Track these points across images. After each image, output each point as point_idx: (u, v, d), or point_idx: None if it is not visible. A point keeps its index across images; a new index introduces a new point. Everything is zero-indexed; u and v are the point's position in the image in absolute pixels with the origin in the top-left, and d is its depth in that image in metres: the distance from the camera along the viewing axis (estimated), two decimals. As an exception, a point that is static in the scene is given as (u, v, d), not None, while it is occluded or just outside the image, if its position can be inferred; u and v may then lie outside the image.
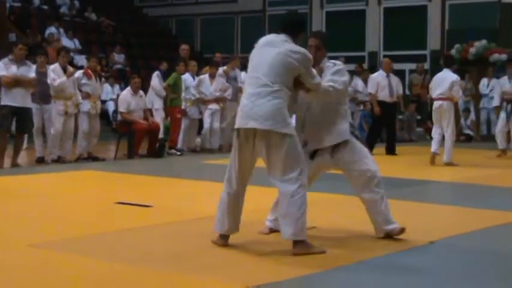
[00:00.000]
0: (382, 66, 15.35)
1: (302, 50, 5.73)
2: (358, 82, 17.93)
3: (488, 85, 18.36)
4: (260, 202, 7.49)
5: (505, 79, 14.48)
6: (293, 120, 5.94)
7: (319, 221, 6.67)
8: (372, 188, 6.11)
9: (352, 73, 18.22)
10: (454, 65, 14.80)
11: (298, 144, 5.72)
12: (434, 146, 12.82)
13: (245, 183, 6.08)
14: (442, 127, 12.81)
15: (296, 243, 5.66)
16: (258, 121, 5.62)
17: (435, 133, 12.97)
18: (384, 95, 14.64)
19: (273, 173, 5.78)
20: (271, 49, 5.73)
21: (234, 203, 6.06)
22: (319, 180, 6.71)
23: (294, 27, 5.87)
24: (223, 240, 6.07)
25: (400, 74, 19.44)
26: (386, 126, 14.82)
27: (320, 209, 7.32)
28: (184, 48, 16.12)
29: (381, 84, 14.68)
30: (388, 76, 14.82)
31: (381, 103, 14.55)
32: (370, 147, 13.08)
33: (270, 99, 5.59)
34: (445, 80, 12.85)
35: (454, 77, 12.91)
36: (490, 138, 18.22)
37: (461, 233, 6.60)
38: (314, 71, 5.81)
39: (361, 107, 17.84)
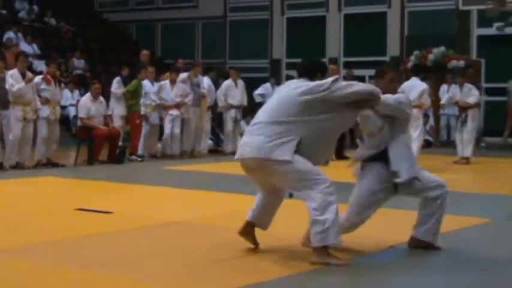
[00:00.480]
0: (330, 72, 15.48)
1: (305, 82, 5.78)
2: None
3: (448, 91, 18.54)
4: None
5: (456, 88, 14.66)
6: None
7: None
8: None
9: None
10: (421, 73, 15.15)
11: (299, 163, 5.57)
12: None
13: (273, 193, 6.05)
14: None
15: (315, 250, 5.56)
16: (249, 153, 5.73)
17: None
18: None
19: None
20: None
21: (265, 200, 6.14)
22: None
23: (312, 72, 5.98)
24: (245, 228, 6.09)
25: (360, 80, 19.52)
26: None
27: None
28: (144, 53, 16.06)
29: None
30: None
31: None
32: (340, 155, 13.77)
33: (261, 133, 5.67)
34: (414, 88, 13.01)
35: (423, 85, 13.25)
36: (449, 144, 18.45)
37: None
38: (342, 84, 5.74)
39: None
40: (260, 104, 17.91)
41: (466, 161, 14.14)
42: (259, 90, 18.22)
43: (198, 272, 5.46)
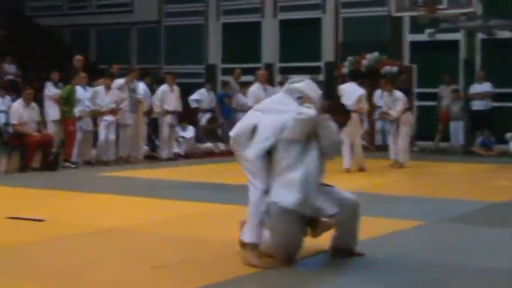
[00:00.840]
0: (258, 78, 15.79)
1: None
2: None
3: (381, 96, 18.76)
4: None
5: (386, 96, 14.90)
6: None
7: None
8: None
9: (251, 84, 18.38)
10: (359, 78, 15.46)
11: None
12: (346, 162, 13.31)
13: None
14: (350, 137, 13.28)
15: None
16: None
17: (344, 147, 13.10)
18: None
19: None
20: None
21: None
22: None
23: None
24: None
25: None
26: None
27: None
28: (78, 58, 15.84)
29: (259, 97, 14.96)
30: (265, 89, 15.43)
31: None
32: None
33: None
34: (352, 94, 13.38)
35: (361, 90, 13.69)
36: (385, 147, 18.66)
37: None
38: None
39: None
40: (196, 110, 18.04)
41: (400, 165, 14.32)
42: (194, 96, 18.18)
43: (135, 280, 5.41)
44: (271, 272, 5.53)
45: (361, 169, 13.51)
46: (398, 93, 14.66)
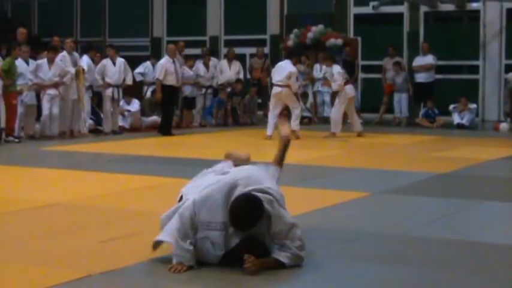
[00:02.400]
0: (168, 52, 16.06)
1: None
2: (199, 66, 18.01)
3: (320, 70, 18.90)
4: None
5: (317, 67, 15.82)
6: None
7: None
8: None
9: (196, 57, 18.33)
10: (294, 57, 15.79)
11: None
12: (269, 130, 14.31)
13: None
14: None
15: None
16: None
17: (270, 117, 14.45)
18: (171, 80, 15.47)
19: None
20: None
21: None
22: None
23: None
24: None
25: (241, 58, 19.68)
26: (171, 109, 15.99)
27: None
28: (21, 32, 15.57)
29: (169, 70, 15.45)
30: (174, 62, 15.66)
31: (169, 87, 15.43)
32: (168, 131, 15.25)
33: None
34: (283, 70, 14.38)
35: (292, 68, 14.49)
36: (327, 119, 18.83)
37: (302, 212, 6.76)
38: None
39: (203, 91, 17.98)
40: (141, 83, 17.92)
41: (333, 135, 14.92)
42: (139, 69, 18.02)
43: (82, 253, 5.38)
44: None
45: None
46: (337, 67, 15.23)
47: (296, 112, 14.72)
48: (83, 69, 15.11)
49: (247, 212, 4.84)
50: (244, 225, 4.89)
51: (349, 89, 15.25)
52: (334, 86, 15.32)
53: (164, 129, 15.50)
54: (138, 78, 17.88)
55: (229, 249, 4.97)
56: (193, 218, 4.98)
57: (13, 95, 13.84)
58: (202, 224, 4.97)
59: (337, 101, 15.17)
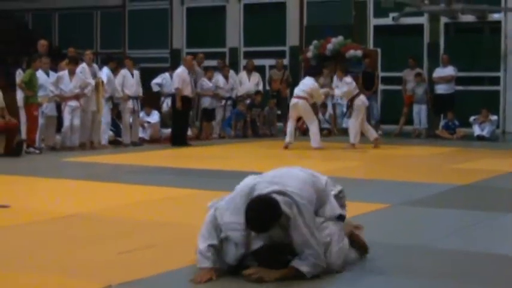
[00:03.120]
0: (184, 62, 16.43)
1: None
2: (219, 78, 18.06)
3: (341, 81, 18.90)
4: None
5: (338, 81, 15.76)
6: None
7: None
8: None
9: (214, 69, 18.40)
10: (318, 75, 15.93)
11: None
12: (287, 138, 14.73)
13: None
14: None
15: None
16: None
17: (288, 126, 14.91)
18: (187, 90, 15.66)
19: None
20: None
21: None
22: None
23: None
24: None
25: (260, 69, 19.72)
26: (186, 120, 16.08)
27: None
28: (43, 44, 15.70)
29: (185, 80, 15.63)
30: (189, 73, 15.90)
31: (184, 98, 15.58)
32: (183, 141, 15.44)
33: None
34: (305, 85, 14.80)
35: (313, 84, 14.79)
36: (347, 131, 18.80)
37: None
38: None
39: (222, 103, 18.03)
40: (158, 94, 17.98)
41: (352, 146, 14.92)
42: (156, 80, 18.09)
43: (101, 264, 5.40)
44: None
45: (317, 148, 14.59)
46: (348, 79, 15.33)
47: (313, 129, 14.76)
48: (102, 82, 15.18)
49: (260, 213, 4.73)
50: (259, 227, 4.79)
51: (364, 98, 15.28)
52: (338, 92, 15.61)
53: (177, 139, 15.60)
54: (155, 88, 17.95)
55: (249, 252, 4.93)
56: (213, 221, 5.01)
57: (34, 107, 13.94)
58: (225, 225, 4.96)
59: (354, 112, 15.15)
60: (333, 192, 5.36)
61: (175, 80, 15.76)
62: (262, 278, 4.83)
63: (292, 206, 4.85)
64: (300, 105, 14.60)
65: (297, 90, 14.81)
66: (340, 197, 5.41)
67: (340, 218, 5.25)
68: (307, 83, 14.81)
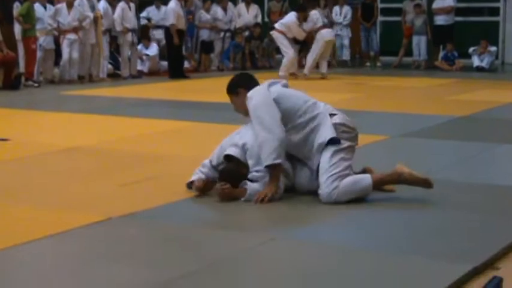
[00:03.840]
0: None
1: None
2: (217, 10, 17.90)
3: (340, 13, 18.79)
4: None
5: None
6: None
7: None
8: None
9: (212, 1, 18.21)
10: (301, 12, 15.39)
11: None
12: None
13: None
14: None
15: None
16: None
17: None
18: (181, 24, 15.57)
19: None
20: None
21: None
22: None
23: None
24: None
25: (259, 1, 19.52)
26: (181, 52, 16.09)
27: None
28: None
29: (179, 15, 15.50)
30: (181, 5, 15.82)
31: (178, 31, 15.45)
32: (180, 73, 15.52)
33: None
34: (285, 18, 15.28)
35: (293, 22, 14.92)
36: (346, 63, 18.75)
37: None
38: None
39: (221, 35, 17.92)
40: (145, 27, 17.80)
41: (305, 76, 15.18)
42: (143, 14, 17.89)
43: (103, 196, 5.44)
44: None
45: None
46: (314, 15, 15.24)
47: (283, 60, 15.13)
48: (101, 15, 15.05)
49: None
50: None
51: (327, 33, 15.23)
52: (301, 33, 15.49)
53: (175, 72, 15.59)
54: (142, 22, 17.77)
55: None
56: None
57: (32, 40, 13.86)
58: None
59: (314, 45, 15.18)
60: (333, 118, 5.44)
61: (170, 14, 15.53)
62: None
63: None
64: (275, 37, 15.20)
65: (277, 23, 15.27)
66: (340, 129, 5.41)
67: (332, 141, 5.31)
68: (287, 18, 15.13)
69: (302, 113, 5.37)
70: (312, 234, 4.63)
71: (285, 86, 5.60)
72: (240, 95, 5.53)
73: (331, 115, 5.43)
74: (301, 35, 15.16)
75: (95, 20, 14.81)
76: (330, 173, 5.19)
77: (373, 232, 4.69)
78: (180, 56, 15.91)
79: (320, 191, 5.19)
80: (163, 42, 16.79)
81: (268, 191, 5.17)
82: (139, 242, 4.44)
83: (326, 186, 5.16)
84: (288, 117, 5.31)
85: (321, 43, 15.05)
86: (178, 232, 4.61)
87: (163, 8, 17.35)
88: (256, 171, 5.28)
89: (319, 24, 15.22)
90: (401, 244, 4.43)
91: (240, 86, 5.57)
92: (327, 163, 5.23)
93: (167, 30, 15.64)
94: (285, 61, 15.02)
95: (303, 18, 14.92)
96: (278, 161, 5.15)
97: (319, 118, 5.39)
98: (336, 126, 5.35)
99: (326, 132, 5.31)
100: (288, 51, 15.01)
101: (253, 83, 5.56)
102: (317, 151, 5.31)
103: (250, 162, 5.33)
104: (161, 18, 17.19)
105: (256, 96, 5.33)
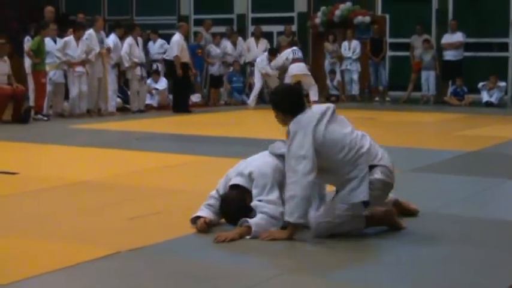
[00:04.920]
0: (180, 29, 16.17)
1: None
2: (227, 44, 18.01)
3: (349, 48, 18.85)
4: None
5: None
6: None
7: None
8: None
9: (222, 35, 18.32)
10: (272, 55, 16.23)
11: None
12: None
13: None
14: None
15: None
16: None
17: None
18: (185, 57, 15.74)
19: None
20: None
21: None
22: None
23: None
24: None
25: (268, 36, 19.63)
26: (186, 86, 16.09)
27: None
28: (49, 10, 15.63)
29: (183, 47, 15.67)
30: (185, 39, 16.15)
31: (183, 64, 15.54)
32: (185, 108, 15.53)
33: None
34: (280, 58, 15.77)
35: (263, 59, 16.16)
36: (355, 97, 18.76)
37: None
38: None
39: (231, 69, 18.02)
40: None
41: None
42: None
43: (111, 230, 5.42)
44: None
45: None
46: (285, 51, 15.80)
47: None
48: (109, 49, 15.10)
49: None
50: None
51: (294, 67, 15.38)
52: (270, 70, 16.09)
53: (179, 106, 15.58)
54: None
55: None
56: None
57: (42, 74, 13.94)
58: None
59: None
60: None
61: (173, 47, 15.60)
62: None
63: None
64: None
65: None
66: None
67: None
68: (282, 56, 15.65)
69: (346, 152, 5.18)
70: (319, 271, 4.60)
71: (333, 112, 5.32)
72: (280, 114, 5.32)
73: (373, 167, 5.23)
74: (272, 73, 15.92)
75: (102, 55, 14.88)
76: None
77: (375, 268, 4.66)
78: (184, 89, 15.91)
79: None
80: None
81: (278, 236, 5.10)
82: (148, 276, 4.42)
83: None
84: (328, 152, 5.14)
85: (288, 78, 15.25)
86: (186, 267, 4.58)
87: (159, 41, 17.50)
88: (259, 200, 5.28)
89: (285, 60, 15.50)
90: (407, 280, 4.40)
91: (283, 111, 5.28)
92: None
93: (171, 63, 15.70)
94: (254, 92, 16.51)
95: (273, 58, 15.87)
96: (301, 220, 5.06)
97: (359, 168, 5.17)
98: (372, 182, 5.18)
99: (361, 192, 5.14)
100: (257, 83, 16.43)
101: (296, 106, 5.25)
102: (338, 197, 5.23)
103: (254, 191, 5.33)
104: (156, 52, 17.34)
105: (298, 134, 5.08)
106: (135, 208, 6.13)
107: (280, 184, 5.34)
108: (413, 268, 4.63)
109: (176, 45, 15.53)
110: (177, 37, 15.71)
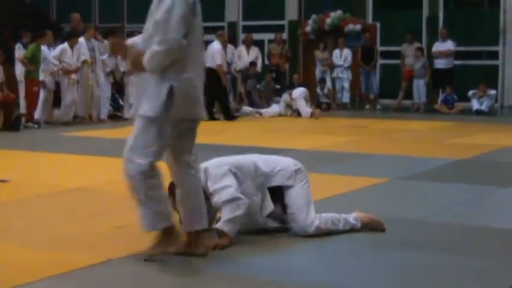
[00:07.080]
0: (219, 38, 16.21)
1: None
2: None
3: (341, 56, 18.89)
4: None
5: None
6: None
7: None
8: None
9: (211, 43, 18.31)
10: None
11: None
12: None
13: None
14: None
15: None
16: None
17: None
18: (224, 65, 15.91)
19: None
20: None
21: None
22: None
23: None
24: None
25: (259, 44, 19.65)
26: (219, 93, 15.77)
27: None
28: (77, 18, 15.76)
29: (223, 56, 15.83)
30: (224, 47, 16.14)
31: (215, 72, 15.31)
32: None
33: None
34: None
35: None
36: (346, 105, 18.80)
37: (319, 199, 6.77)
38: None
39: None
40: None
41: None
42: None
43: (102, 238, 5.42)
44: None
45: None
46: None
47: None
48: (93, 60, 15.01)
49: None
50: None
51: None
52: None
53: (229, 113, 15.77)
54: None
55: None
56: None
57: (34, 82, 13.94)
58: None
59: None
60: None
61: (216, 56, 15.53)
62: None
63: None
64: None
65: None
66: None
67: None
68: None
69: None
70: (310, 275, 4.61)
71: None
72: None
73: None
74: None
75: (88, 63, 14.84)
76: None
77: (365, 275, 4.68)
78: (224, 97, 15.95)
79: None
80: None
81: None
82: (139, 285, 4.41)
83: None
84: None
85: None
86: (178, 274, 4.59)
87: None
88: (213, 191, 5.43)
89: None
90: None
91: None
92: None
93: (209, 71, 15.59)
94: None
95: None
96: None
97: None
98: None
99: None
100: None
101: None
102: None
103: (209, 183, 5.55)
104: None
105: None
106: (126, 216, 6.12)
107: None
108: (401, 276, 4.65)
109: (219, 54, 15.52)
110: (218, 45, 15.70)
